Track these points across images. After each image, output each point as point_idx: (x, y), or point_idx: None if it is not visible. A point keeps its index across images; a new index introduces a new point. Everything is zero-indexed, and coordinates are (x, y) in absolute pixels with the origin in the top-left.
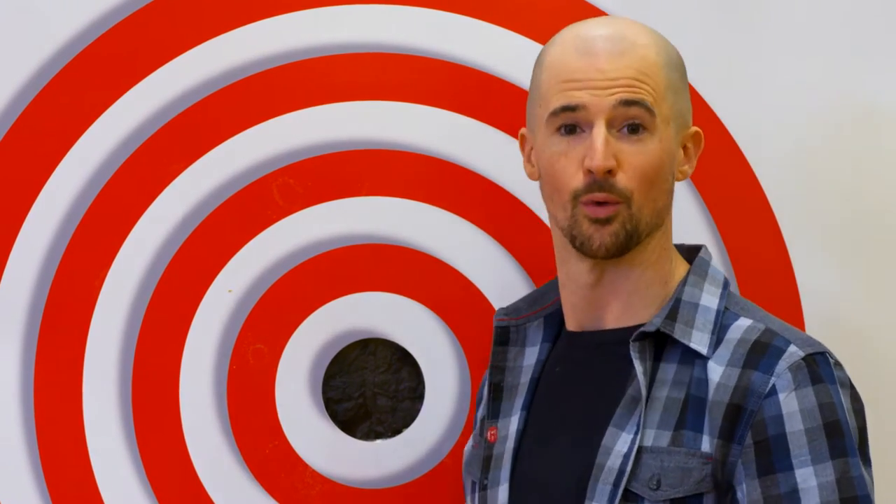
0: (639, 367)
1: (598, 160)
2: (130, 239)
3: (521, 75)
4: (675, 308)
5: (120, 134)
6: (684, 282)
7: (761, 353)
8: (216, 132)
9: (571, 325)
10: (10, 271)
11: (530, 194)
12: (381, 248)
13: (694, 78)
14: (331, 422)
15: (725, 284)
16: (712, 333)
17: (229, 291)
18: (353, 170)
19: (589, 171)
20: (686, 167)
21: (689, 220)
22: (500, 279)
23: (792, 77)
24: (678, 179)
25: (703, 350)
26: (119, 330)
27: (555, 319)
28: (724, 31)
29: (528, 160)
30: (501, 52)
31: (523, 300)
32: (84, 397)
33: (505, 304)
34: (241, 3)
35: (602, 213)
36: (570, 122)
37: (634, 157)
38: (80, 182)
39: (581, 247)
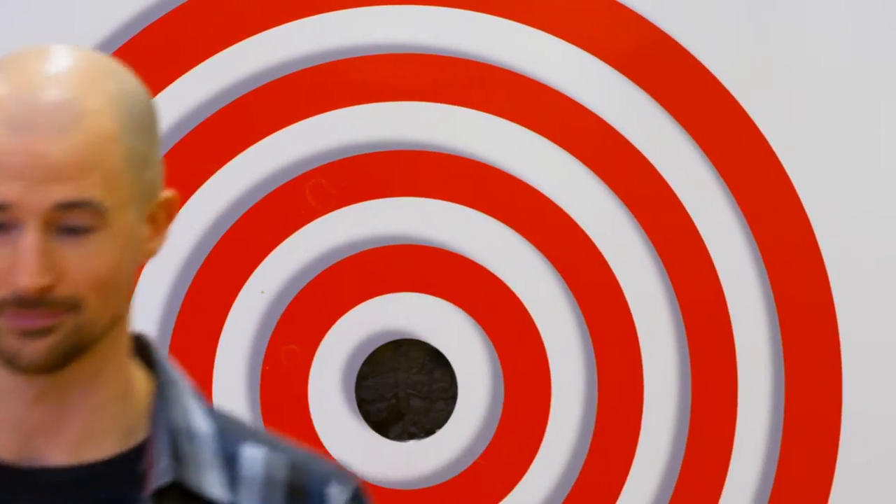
0: None
1: (29, 279)
2: None
3: (552, 75)
4: (175, 442)
5: None
6: (163, 398)
7: (302, 498)
8: (249, 133)
9: (3, 452)
10: None
11: (563, 195)
12: (414, 248)
13: (728, 79)
14: (364, 422)
15: (197, 393)
16: (222, 469)
17: (262, 292)
18: (386, 171)
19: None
20: (154, 243)
21: (722, 225)
22: (532, 280)
23: (828, 77)
24: (145, 259)
25: (224, 496)
26: (151, 331)
27: None
28: (759, 32)
29: None
30: (533, 52)
31: None
32: None
33: (539, 303)
34: (274, 4)
35: (34, 323)
36: None
37: (82, 263)
38: None
39: (8, 362)
